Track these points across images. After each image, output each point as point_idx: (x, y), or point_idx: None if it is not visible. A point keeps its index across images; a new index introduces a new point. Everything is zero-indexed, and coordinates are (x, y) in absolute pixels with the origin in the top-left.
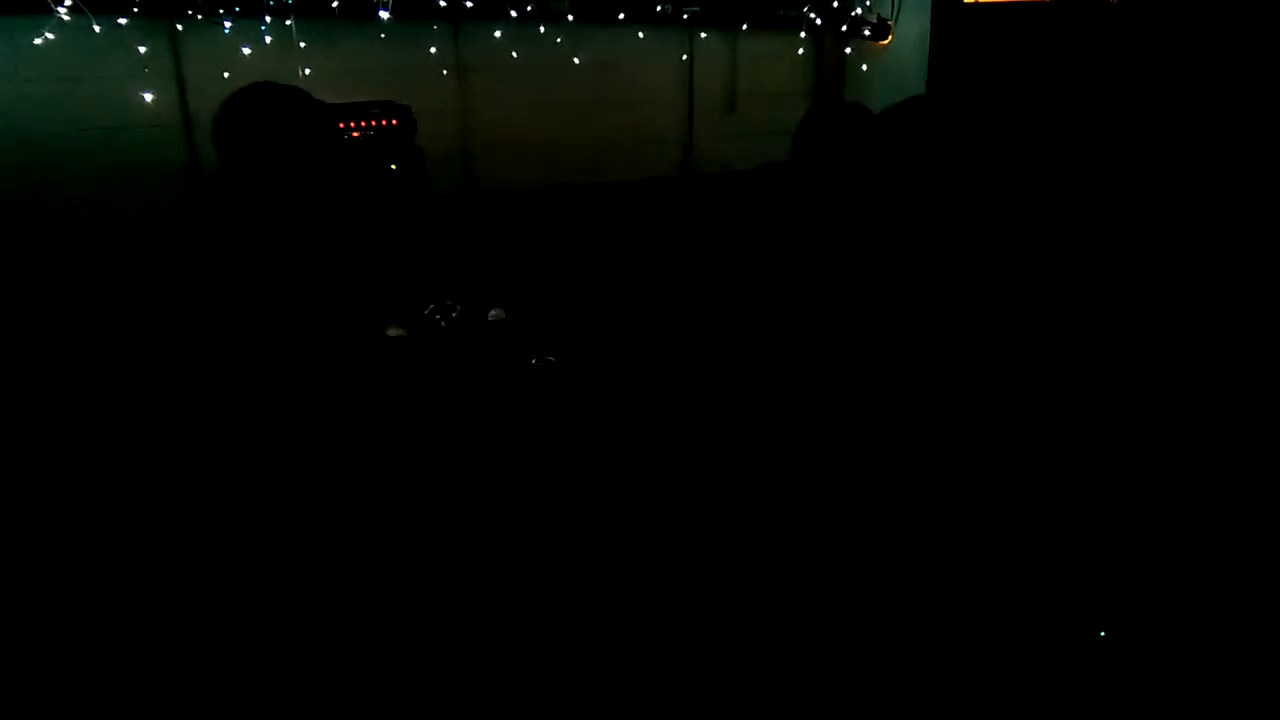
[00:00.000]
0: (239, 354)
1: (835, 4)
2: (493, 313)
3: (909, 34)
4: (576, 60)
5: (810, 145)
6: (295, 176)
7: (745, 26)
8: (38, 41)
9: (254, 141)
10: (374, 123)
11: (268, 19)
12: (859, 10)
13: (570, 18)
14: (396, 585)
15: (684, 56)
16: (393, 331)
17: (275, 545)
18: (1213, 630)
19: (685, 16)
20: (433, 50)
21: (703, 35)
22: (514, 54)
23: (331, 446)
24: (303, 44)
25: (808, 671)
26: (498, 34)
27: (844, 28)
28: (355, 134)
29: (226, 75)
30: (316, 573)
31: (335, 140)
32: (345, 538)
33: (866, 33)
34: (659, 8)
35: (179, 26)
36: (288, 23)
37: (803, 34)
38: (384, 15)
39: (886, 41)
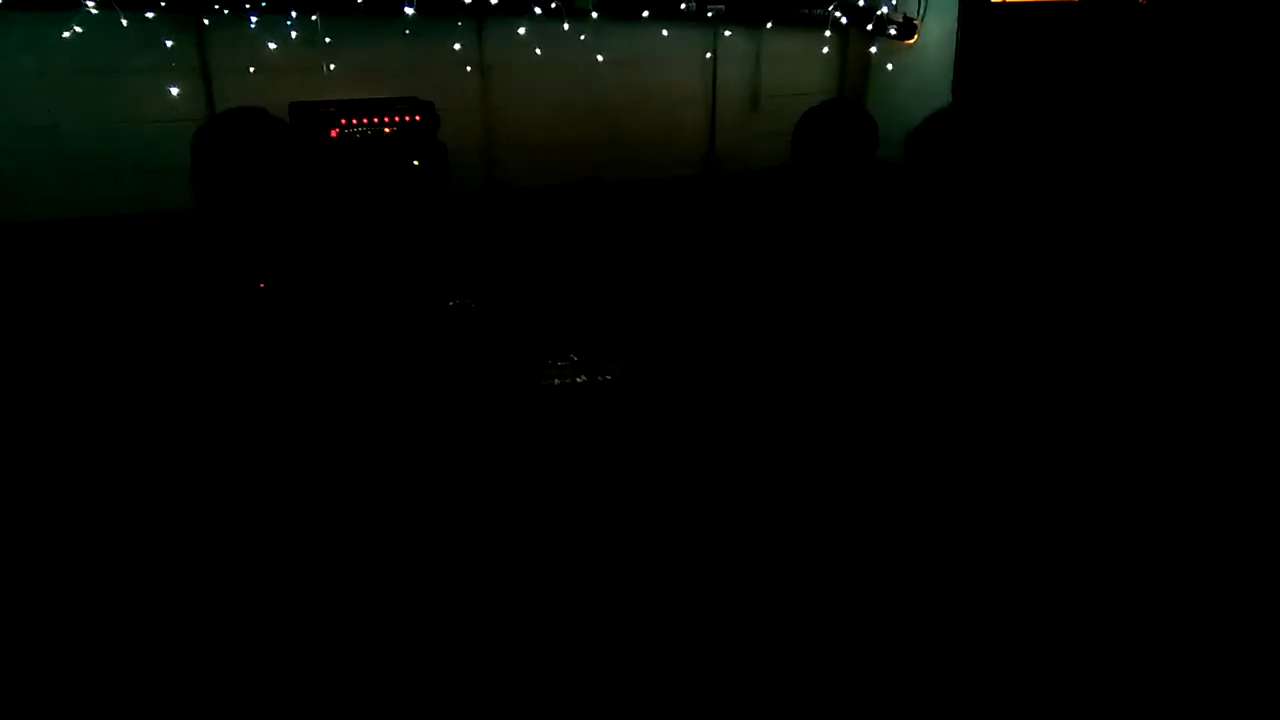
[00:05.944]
0: (260, 352)
1: (860, 3)
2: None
3: (935, 33)
4: (600, 58)
5: (810, 145)
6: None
7: (770, 25)
8: (65, 35)
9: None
10: (397, 119)
11: (293, 14)
12: (884, 9)
13: (594, 15)
14: (400, 583)
15: (708, 55)
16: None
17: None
18: (1212, 630)
19: (709, 14)
20: (456, 47)
21: (727, 33)
22: (537, 51)
23: (353, 440)
24: (328, 39)
25: (808, 672)
26: (521, 31)
27: (869, 27)
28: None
29: (252, 70)
30: (335, 566)
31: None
32: (371, 530)
33: (892, 32)
34: (683, 5)
35: (205, 21)
36: (313, 18)
37: (828, 33)
38: (409, 11)
39: (912, 41)
